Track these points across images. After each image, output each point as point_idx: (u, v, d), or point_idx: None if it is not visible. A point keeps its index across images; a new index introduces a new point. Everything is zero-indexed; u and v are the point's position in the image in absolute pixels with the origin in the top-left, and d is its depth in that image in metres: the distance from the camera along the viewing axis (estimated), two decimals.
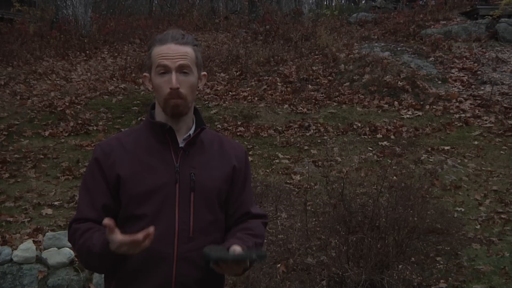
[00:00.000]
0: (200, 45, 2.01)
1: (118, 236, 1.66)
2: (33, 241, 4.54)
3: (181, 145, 1.88)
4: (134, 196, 1.83)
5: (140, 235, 1.65)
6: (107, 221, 1.65)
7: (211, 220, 1.88)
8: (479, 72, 9.00)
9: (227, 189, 1.92)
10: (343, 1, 22.40)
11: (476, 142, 6.95)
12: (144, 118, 1.96)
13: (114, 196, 1.85)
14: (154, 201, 1.82)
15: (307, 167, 6.20)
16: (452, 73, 9.12)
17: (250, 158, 6.41)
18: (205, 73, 1.96)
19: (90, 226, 1.82)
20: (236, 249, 1.76)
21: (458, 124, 7.50)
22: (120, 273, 1.84)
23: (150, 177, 1.83)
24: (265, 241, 4.34)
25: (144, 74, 1.95)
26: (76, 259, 4.38)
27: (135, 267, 1.82)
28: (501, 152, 6.69)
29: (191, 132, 1.91)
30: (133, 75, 9.65)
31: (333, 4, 21.12)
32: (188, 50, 1.85)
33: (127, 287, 1.84)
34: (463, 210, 5.24)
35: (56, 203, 5.46)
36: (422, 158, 6.36)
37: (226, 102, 8.40)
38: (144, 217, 1.82)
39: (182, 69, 1.82)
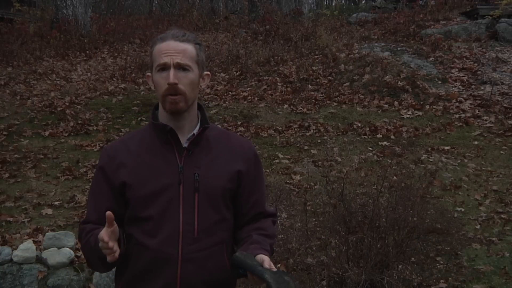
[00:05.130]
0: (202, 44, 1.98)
1: (103, 231, 1.68)
2: (33, 241, 4.53)
3: (185, 145, 1.87)
4: (139, 198, 1.83)
5: (105, 237, 1.66)
6: (108, 212, 1.66)
7: (216, 220, 1.86)
8: (479, 72, 9.00)
9: (233, 188, 1.90)
10: (343, 1, 22.41)
11: (476, 142, 6.95)
12: (144, 119, 1.97)
13: (118, 199, 1.87)
14: (159, 202, 1.82)
15: (307, 167, 6.20)
16: (452, 73, 9.11)
17: None
18: (208, 72, 1.93)
19: (94, 227, 1.84)
20: (265, 259, 1.73)
21: (458, 124, 7.50)
22: (127, 274, 1.87)
23: (155, 179, 1.83)
24: None
25: (147, 73, 1.96)
26: (76, 259, 4.39)
27: (141, 268, 1.83)
28: (501, 152, 6.69)
29: (195, 131, 1.89)
30: (133, 75, 9.65)
31: (333, 4, 21.13)
32: (187, 47, 1.83)
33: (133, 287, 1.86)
34: (463, 210, 5.24)
35: (56, 203, 5.46)
36: (422, 158, 6.36)
37: (226, 102, 8.40)
38: (149, 218, 1.82)
39: (180, 66, 1.81)
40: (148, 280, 1.82)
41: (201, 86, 1.91)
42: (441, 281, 4.06)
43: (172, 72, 1.79)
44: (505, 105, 7.96)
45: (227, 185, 1.87)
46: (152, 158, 1.86)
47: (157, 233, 1.81)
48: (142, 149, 1.88)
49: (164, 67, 1.81)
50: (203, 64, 1.90)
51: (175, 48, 1.81)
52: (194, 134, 1.89)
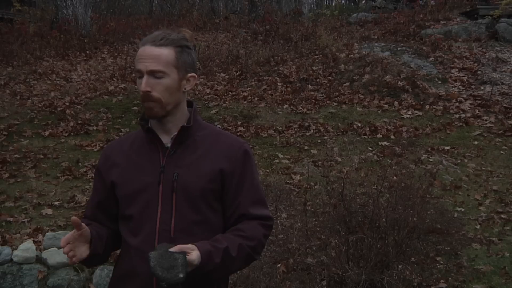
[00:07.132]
0: (199, 44, 1.97)
1: (67, 235, 1.77)
2: (33, 241, 4.53)
3: (168, 144, 1.87)
4: (123, 197, 1.88)
5: (62, 242, 1.76)
6: (73, 217, 1.75)
7: (196, 221, 1.83)
8: (479, 72, 9.00)
9: (216, 188, 1.85)
10: (343, 1, 22.41)
11: (476, 142, 6.95)
12: None
13: (110, 198, 1.92)
14: (139, 201, 1.84)
15: (307, 167, 6.20)
16: (452, 73, 9.11)
17: None
18: (193, 74, 1.88)
19: (88, 223, 1.89)
20: (179, 245, 1.70)
21: (458, 124, 7.50)
22: (115, 271, 1.95)
23: (137, 178, 1.86)
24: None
25: None
26: None
27: (124, 266, 1.88)
28: (501, 152, 6.69)
29: None
30: (133, 75, 9.65)
31: (333, 4, 21.13)
32: (163, 52, 1.80)
33: (117, 285, 1.92)
34: (463, 210, 5.24)
35: (56, 203, 5.46)
36: (422, 158, 6.36)
37: (226, 102, 8.40)
38: (131, 217, 1.86)
39: (153, 73, 1.80)
40: (129, 278, 1.86)
41: (185, 89, 1.87)
42: (441, 281, 4.06)
43: (144, 79, 1.80)
44: (505, 105, 7.96)
45: (207, 186, 1.83)
46: (139, 158, 1.89)
47: (138, 232, 1.84)
48: (132, 149, 1.92)
49: (140, 75, 1.82)
50: (187, 66, 1.86)
51: (149, 54, 1.80)
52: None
